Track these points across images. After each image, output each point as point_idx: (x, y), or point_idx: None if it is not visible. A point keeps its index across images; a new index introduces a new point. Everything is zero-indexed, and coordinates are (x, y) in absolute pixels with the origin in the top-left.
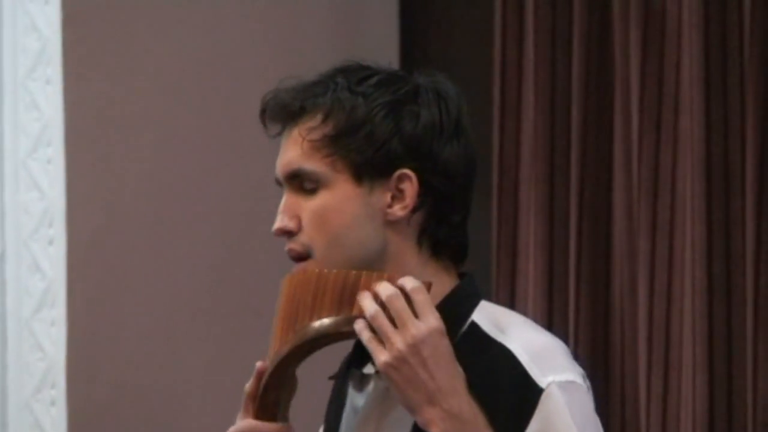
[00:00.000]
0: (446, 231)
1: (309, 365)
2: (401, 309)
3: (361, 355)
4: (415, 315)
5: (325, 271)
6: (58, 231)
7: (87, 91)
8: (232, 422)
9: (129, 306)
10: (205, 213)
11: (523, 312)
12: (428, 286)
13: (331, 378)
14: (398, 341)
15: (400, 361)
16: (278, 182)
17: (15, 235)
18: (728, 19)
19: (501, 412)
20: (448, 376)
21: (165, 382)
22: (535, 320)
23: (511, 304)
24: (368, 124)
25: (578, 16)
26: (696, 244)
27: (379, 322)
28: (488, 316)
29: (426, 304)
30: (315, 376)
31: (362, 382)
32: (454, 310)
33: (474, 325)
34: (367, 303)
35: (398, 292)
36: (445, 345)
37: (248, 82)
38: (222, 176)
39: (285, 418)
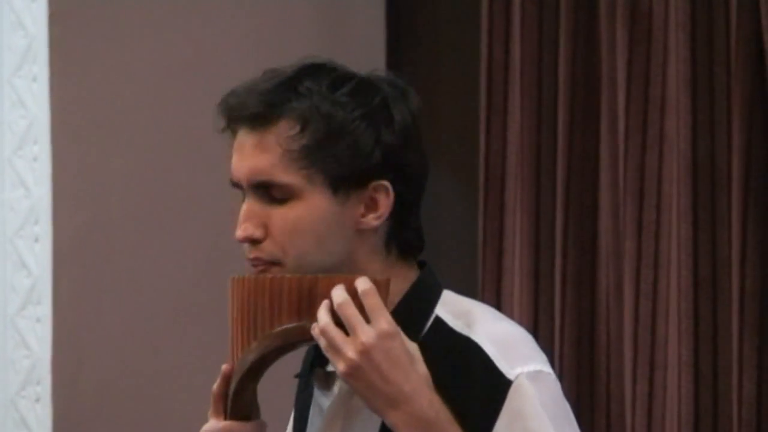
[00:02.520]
0: (410, 233)
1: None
2: (351, 316)
3: (323, 354)
4: (368, 318)
5: (279, 276)
6: (43, 228)
7: (73, 88)
8: None
9: (114, 303)
10: (191, 211)
11: (510, 311)
12: (386, 283)
13: (296, 376)
14: (349, 350)
15: (354, 369)
16: (236, 185)
17: (1, 232)
18: (715, 20)
19: (471, 407)
20: (405, 379)
21: (150, 379)
22: (521, 319)
23: (497, 302)
24: (349, 136)
25: (565, 15)
26: (682, 244)
27: (328, 335)
28: (451, 309)
29: (376, 307)
30: (281, 372)
31: (327, 380)
32: (417, 306)
33: (438, 320)
34: (320, 314)
35: (348, 299)
36: (397, 347)
37: (234, 80)
38: (208, 174)
39: (257, 414)
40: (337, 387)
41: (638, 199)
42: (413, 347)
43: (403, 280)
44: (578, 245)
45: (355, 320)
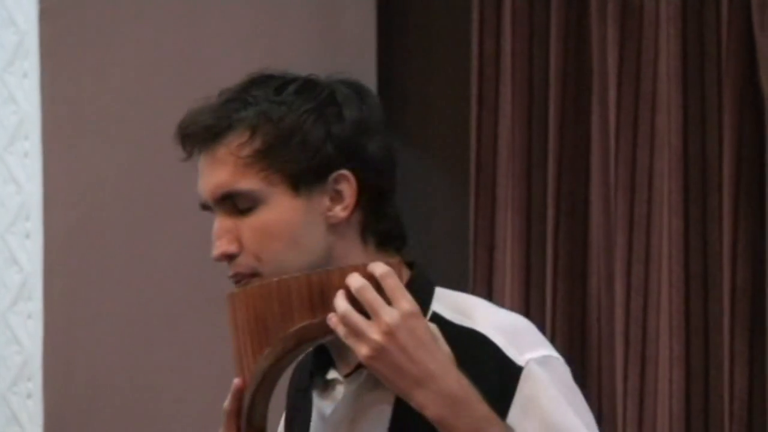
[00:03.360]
0: (386, 224)
1: None
2: (372, 299)
3: (322, 362)
4: (388, 302)
5: (285, 277)
6: (35, 224)
7: (64, 84)
8: (208, 414)
9: (106, 299)
10: (182, 207)
11: (501, 306)
12: (398, 264)
13: (297, 390)
14: (373, 332)
15: (379, 352)
16: (205, 207)
17: None
18: (706, 15)
19: (484, 396)
20: (431, 358)
21: (141, 375)
22: None
23: (488, 298)
24: (299, 133)
25: (555, 11)
26: (673, 240)
27: (350, 319)
28: (447, 303)
29: (396, 287)
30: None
31: (327, 388)
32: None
33: (436, 315)
34: (338, 302)
35: (366, 283)
36: (422, 327)
37: (226, 78)
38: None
39: (266, 428)
40: (339, 393)
41: (629, 195)
42: (433, 327)
43: None
44: (569, 240)
45: (376, 303)
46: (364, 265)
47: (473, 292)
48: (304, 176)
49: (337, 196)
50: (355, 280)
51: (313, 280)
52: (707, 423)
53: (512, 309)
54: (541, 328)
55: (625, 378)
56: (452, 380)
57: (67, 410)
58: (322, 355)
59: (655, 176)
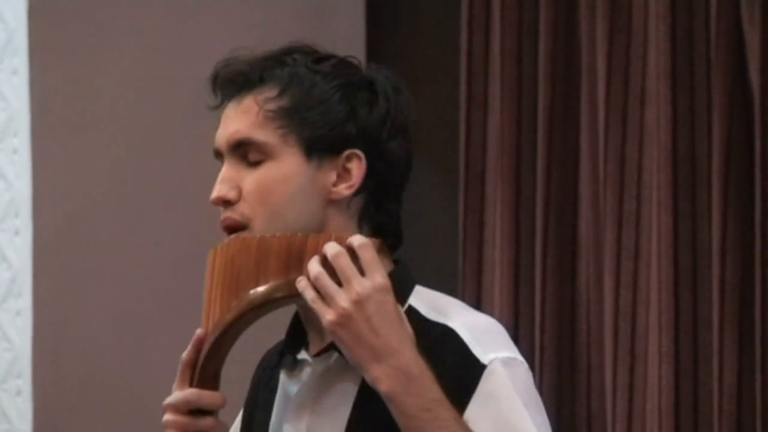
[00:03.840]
0: (385, 218)
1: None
2: (346, 266)
3: (295, 341)
4: (362, 273)
5: (267, 235)
6: (24, 221)
7: (53, 81)
8: None
9: (95, 296)
10: (171, 203)
11: (490, 302)
12: (378, 245)
13: (266, 369)
14: (342, 299)
15: (344, 318)
16: (217, 153)
17: None
18: (695, 11)
19: (445, 389)
20: (394, 333)
21: (130, 371)
22: (502, 311)
23: (478, 294)
24: (325, 103)
25: (544, 7)
26: (662, 236)
27: (321, 282)
28: (425, 301)
29: (373, 261)
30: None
31: (295, 368)
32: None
33: (411, 309)
34: (311, 265)
35: (343, 250)
36: (390, 302)
37: None
38: (189, 167)
39: (218, 388)
40: (306, 373)
41: (618, 191)
42: (401, 309)
43: None
44: (558, 237)
45: (350, 271)
46: (344, 236)
47: (462, 288)
48: (320, 144)
49: (345, 174)
50: (331, 247)
51: (292, 242)
52: (696, 419)
53: (501, 305)
54: (530, 323)
55: (615, 374)
56: (410, 358)
57: (57, 407)
58: (296, 335)
59: (644, 172)
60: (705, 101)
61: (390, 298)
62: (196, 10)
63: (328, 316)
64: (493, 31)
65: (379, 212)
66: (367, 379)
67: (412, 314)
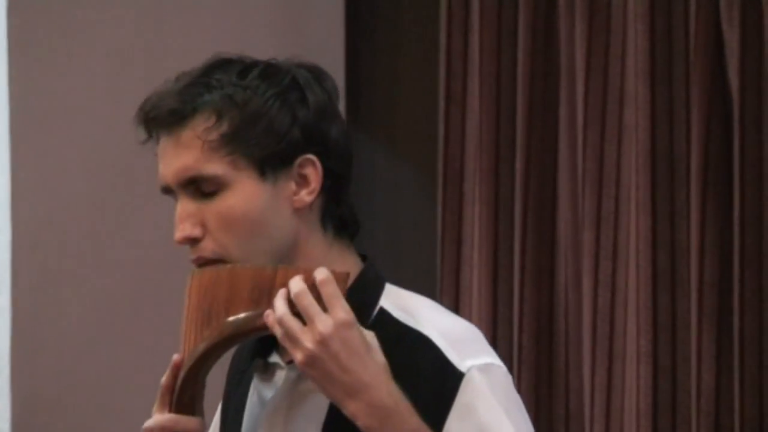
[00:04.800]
0: (344, 210)
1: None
2: (308, 305)
3: (266, 345)
4: (325, 308)
5: (239, 266)
6: (2, 219)
7: (32, 79)
8: None
9: (74, 295)
10: (150, 203)
11: (468, 302)
12: (346, 276)
13: (236, 372)
14: (307, 340)
15: (312, 359)
16: (166, 190)
17: None
18: (674, 11)
19: (422, 400)
20: (363, 368)
21: (109, 370)
22: (480, 310)
23: (456, 293)
24: (265, 117)
25: (523, 7)
26: (641, 236)
27: (285, 324)
28: (395, 301)
29: (333, 296)
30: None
31: (267, 371)
32: (362, 298)
33: (383, 311)
34: (277, 303)
35: (305, 288)
36: (355, 337)
37: None
38: None
39: (200, 412)
40: (280, 378)
41: (597, 190)
42: (370, 335)
43: (341, 264)
44: (537, 236)
45: (312, 310)
46: (311, 270)
47: (440, 287)
48: (271, 161)
49: (302, 181)
50: (294, 284)
51: (261, 274)
52: (674, 419)
53: (480, 305)
54: (509, 322)
55: (593, 374)
56: (383, 392)
57: (35, 405)
58: (266, 337)
59: (623, 172)
60: (684, 101)
61: (354, 332)
62: (173, 11)
63: (297, 356)
64: (472, 30)
65: (340, 206)
66: (346, 414)
67: (384, 317)
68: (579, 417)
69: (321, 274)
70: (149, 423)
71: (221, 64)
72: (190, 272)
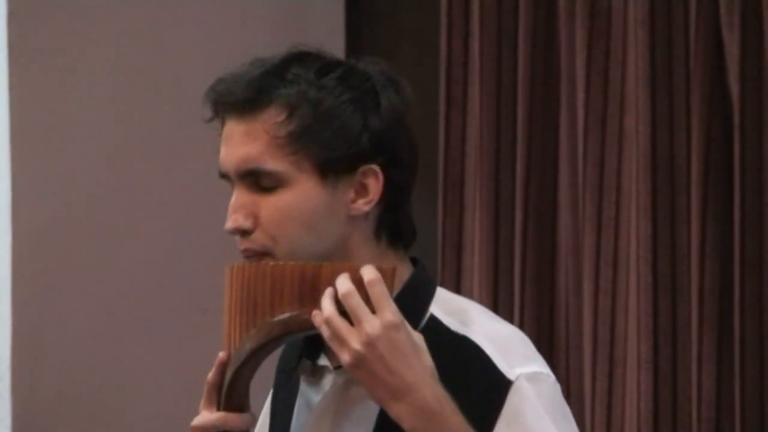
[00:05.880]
0: (401, 221)
1: None
2: (356, 306)
3: (313, 346)
4: (373, 308)
5: (281, 263)
6: (2, 225)
7: (33, 85)
8: (176, 416)
9: (74, 301)
10: (151, 208)
11: None
12: (392, 272)
13: (283, 371)
14: (354, 340)
15: (359, 360)
16: (224, 176)
17: None
18: (674, 17)
19: (471, 407)
20: (409, 370)
21: (110, 376)
22: None
23: None
24: (337, 120)
25: (524, 12)
26: (641, 241)
27: (333, 324)
28: (446, 307)
29: (382, 297)
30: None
31: (315, 374)
32: (413, 304)
33: (433, 319)
34: (325, 303)
35: (353, 289)
36: (402, 338)
37: (194, 76)
38: (168, 171)
39: (248, 406)
40: (328, 382)
41: (597, 196)
42: (418, 337)
43: (398, 271)
44: (537, 242)
45: (360, 311)
46: (357, 267)
47: None
48: (334, 166)
49: (362, 190)
50: (342, 284)
51: (306, 271)
52: (675, 425)
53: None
54: None
55: (594, 379)
56: (428, 394)
57: (36, 412)
58: (314, 339)
59: (624, 177)
60: (684, 107)
61: (401, 334)
62: (173, 13)
63: (344, 357)
64: (472, 36)
65: (397, 217)
66: (391, 416)
67: (434, 324)
68: (580, 423)
69: (369, 273)
70: (199, 421)
71: (300, 58)
72: (228, 266)
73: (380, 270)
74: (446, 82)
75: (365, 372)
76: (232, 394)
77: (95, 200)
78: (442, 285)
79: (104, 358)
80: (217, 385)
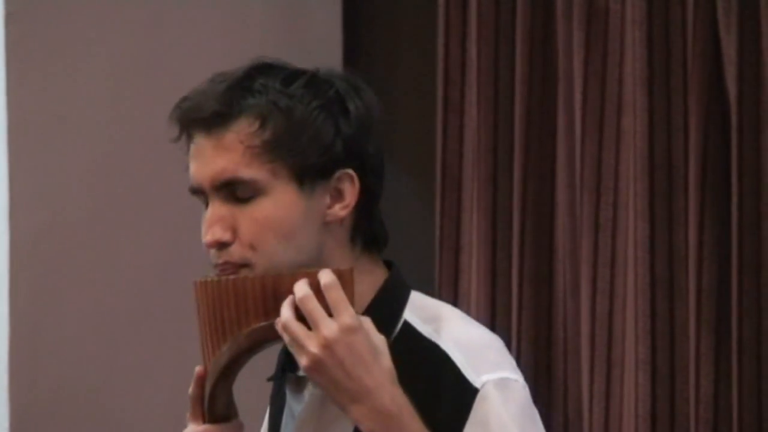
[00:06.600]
0: (374, 225)
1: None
2: (312, 310)
3: (292, 358)
4: (331, 313)
5: (241, 277)
6: (1, 227)
7: (30, 87)
8: (174, 418)
9: (72, 303)
10: (149, 209)
11: (466, 310)
12: (350, 273)
13: (269, 380)
14: (311, 345)
15: (316, 364)
16: (197, 191)
17: None
18: (671, 18)
19: (439, 416)
20: (368, 374)
21: (108, 377)
22: (478, 318)
23: (454, 301)
24: (310, 127)
25: (521, 14)
26: (639, 243)
27: (291, 330)
28: (420, 313)
29: (338, 300)
30: (257, 372)
31: (299, 385)
32: (387, 310)
33: (407, 325)
34: (283, 310)
35: (309, 293)
36: (360, 341)
37: (191, 79)
38: (165, 174)
39: (235, 414)
40: (308, 392)
41: (595, 198)
42: (380, 339)
43: (369, 276)
44: (535, 244)
45: (317, 314)
46: (315, 272)
47: (439, 295)
48: (311, 172)
49: (338, 195)
50: (299, 289)
51: (266, 282)
52: (673, 426)
53: (478, 312)
54: (507, 330)
55: (591, 381)
56: (387, 397)
57: (34, 413)
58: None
59: (621, 179)
60: (681, 108)
61: (359, 337)
62: (171, 16)
63: (302, 361)
64: (469, 38)
65: (371, 222)
66: (351, 419)
67: (408, 330)
68: (577, 424)
69: (325, 277)
70: None
71: (263, 69)
72: (194, 281)
73: (338, 272)
74: (443, 83)
75: (324, 376)
76: (214, 406)
77: (93, 201)
78: (440, 287)
79: (102, 359)
80: (199, 398)
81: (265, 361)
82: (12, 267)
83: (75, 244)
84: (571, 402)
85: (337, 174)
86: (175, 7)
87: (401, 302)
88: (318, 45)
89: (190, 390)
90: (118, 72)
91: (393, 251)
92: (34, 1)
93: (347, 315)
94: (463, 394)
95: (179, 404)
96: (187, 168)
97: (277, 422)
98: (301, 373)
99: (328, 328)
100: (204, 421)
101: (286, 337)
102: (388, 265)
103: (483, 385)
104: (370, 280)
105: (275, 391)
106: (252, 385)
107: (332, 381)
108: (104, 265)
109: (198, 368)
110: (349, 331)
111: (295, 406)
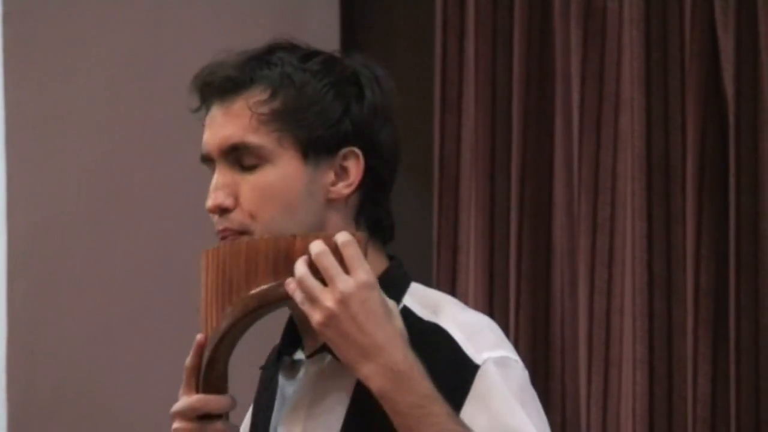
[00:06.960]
0: (380, 212)
1: (239, 353)
2: (329, 265)
3: (291, 342)
4: (347, 271)
5: (255, 238)
6: None
7: (28, 87)
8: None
9: (69, 301)
10: (146, 208)
11: None
12: (364, 240)
13: (262, 368)
14: (326, 299)
15: (330, 318)
16: (206, 158)
17: None
18: (669, 17)
19: (440, 391)
20: (380, 330)
21: (105, 377)
22: None
23: None
24: (319, 103)
25: (519, 12)
26: (636, 242)
27: (306, 283)
28: (419, 299)
29: (355, 258)
30: (244, 366)
31: (293, 369)
32: (387, 295)
33: (405, 309)
34: (298, 266)
35: (326, 249)
36: (375, 299)
37: (188, 77)
38: (164, 171)
39: (227, 390)
40: (301, 373)
41: (593, 197)
42: (391, 303)
43: (371, 264)
44: (533, 242)
45: (333, 270)
46: (330, 235)
47: None
48: (316, 145)
49: (342, 173)
50: (315, 246)
51: (279, 244)
52: (671, 425)
53: (476, 310)
54: (505, 329)
55: (589, 380)
56: (399, 355)
57: (31, 412)
58: (291, 335)
59: (619, 178)
60: (679, 107)
61: (374, 294)
62: (169, 16)
63: (315, 317)
64: (467, 37)
65: (376, 207)
66: (360, 378)
67: (407, 314)
68: (575, 423)
69: (342, 236)
70: (177, 407)
71: (285, 46)
72: (204, 251)
73: (354, 236)
74: (441, 83)
75: (336, 331)
76: (210, 376)
77: (90, 200)
78: (438, 286)
79: (99, 358)
80: (196, 368)
81: (257, 356)
82: (9, 266)
83: (72, 244)
84: (569, 401)
85: (343, 151)
86: (172, 7)
87: (401, 289)
88: (315, 43)
89: (187, 360)
90: (115, 71)
91: (391, 250)
92: (32, 1)
93: (363, 271)
94: (464, 369)
95: (175, 403)
96: (184, 166)
97: (269, 407)
98: (297, 356)
99: (344, 282)
100: (197, 392)
101: (298, 295)
102: (391, 258)
103: (484, 362)
104: (372, 267)
105: (266, 384)
106: (241, 378)
107: (344, 336)
108: (101, 264)
109: (199, 336)
110: (364, 287)
111: (288, 390)
